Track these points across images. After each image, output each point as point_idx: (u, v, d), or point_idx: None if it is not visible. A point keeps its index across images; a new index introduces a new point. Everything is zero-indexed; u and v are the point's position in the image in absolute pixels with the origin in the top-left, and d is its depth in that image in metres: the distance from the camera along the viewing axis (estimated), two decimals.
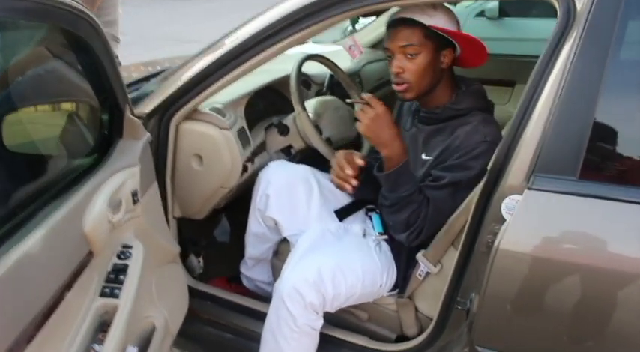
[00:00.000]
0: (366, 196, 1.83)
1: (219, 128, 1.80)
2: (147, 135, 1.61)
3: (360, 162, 1.67)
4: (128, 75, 2.52)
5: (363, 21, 3.02)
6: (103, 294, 1.32)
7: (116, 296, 1.32)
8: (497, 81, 3.05)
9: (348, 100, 1.74)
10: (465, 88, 1.67)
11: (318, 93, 2.37)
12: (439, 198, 1.57)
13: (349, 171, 1.67)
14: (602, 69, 1.20)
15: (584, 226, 1.23)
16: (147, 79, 2.15)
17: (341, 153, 1.74)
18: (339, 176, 1.70)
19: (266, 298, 1.97)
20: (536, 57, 3.05)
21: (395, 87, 1.64)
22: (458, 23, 1.63)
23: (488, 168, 1.35)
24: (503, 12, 4.21)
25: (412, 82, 1.59)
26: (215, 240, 2.48)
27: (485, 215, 1.36)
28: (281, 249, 2.02)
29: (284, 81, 2.07)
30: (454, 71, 1.70)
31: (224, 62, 1.68)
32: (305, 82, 2.36)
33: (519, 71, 3.04)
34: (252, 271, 2.08)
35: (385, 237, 1.83)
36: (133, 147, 1.54)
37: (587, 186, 1.20)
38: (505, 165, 1.31)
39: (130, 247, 1.45)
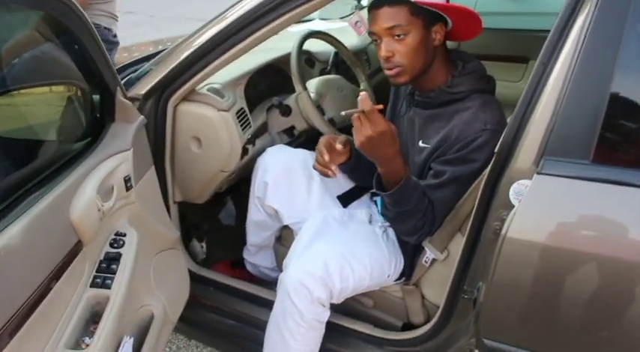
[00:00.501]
0: (364, 183, 1.75)
1: (217, 110, 1.74)
2: (140, 118, 1.55)
3: (339, 147, 1.56)
4: (129, 55, 2.47)
5: None
6: (94, 285, 1.27)
7: (108, 287, 1.27)
8: (510, 57, 2.94)
9: (343, 113, 1.41)
10: (462, 68, 1.53)
11: (322, 72, 2.29)
12: (443, 197, 1.48)
13: (326, 157, 1.57)
14: (618, 42, 1.11)
15: (598, 213, 1.15)
16: (148, 58, 2.09)
17: (322, 138, 1.64)
18: (319, 162, 1.61)
19: (270, 283, 1.93)
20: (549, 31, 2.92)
21: (386, 72, 1.51)
22: None
23: (496, 150, 1.28)
24: None
25: (404, 64, 1.47)
26: (220, 223, 2.43)
27: (492, 200, 1.29)
28: (284, 235, 1.97)
29: (286, 59, 2.00)
30: (460, 46, 1.59)
31: (221, 40, 1.61)
32: (309, 59, 2.29)
33: (533, 47, 2.89)
34: (255, 257, 2.03)
35: None
36: (126, 130, 1.49)
37: (601, 170, 1.13)
38: (513, 147, 1.23)
39: (124, 235, 1.40)
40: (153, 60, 1.85)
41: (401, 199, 1.47)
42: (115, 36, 2.22)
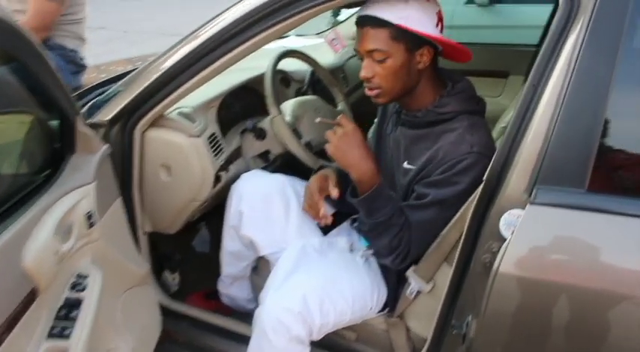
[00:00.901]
0: (347, 209, 1.67)
1: (188, 136, 1.64)
2: (104, 148, 1.45)
3: (334, 194, 1.57)
4: (97, 75, 2.36)
5: (347, 11, 2.83)
6: (51, 335, 1.16)
7: (67, 337, 1.16)
8: (490, 72, 2.89)
9: (317, 120, 1.54)
10: (451, 88, 1.46)
11: (298, 92, 2.20)
12: (423, 219, 1.41)
13: (321, 203, 1.58)
14: (613, 63, 1.05)
15: (596, 245, 1.07)
16: (116, 79, 1.98)
17: (313, 180, 1.60)
18: (310, 205, 1.61)
19: (247, 316, 1.82)
20: (531, 46, 2.89)
21: (367, 91, 1.46)
22: (439, 12, 1.42)
23: (484, 178, 1.20)
24: None
25: (383, 87, 1.42)
26: (194, 251, 2.33)
27: (481, 231, 1.21)
28: (261, 265, 1.87)
29: (261, 79, 1.91)
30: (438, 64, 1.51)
31: (191, 62, 1.52)
32: (284, 79, 2.20)
33: (513, 61, 2.89)
34: (230, 289, 1.92)
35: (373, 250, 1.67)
36: (88, 162, 1.38)
37: (598, 199, 1.05)
38: (503, 175, 1.16)
39: (86, 277, 1.29)
40: (121, 82, 1.75)
41: (373, 208, 1.42)
42: (82, 58, 2.11)
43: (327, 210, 1.61)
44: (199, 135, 1.65)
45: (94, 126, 1.62)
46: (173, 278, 2.08)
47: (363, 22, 1.38)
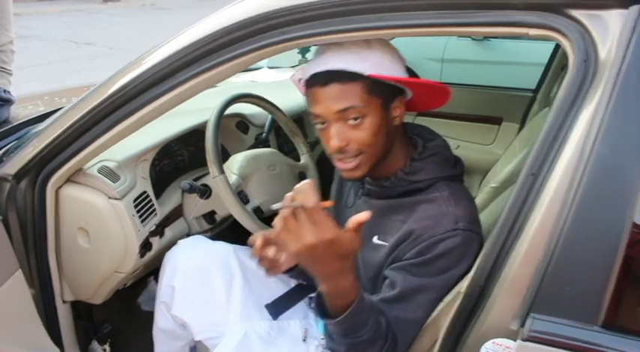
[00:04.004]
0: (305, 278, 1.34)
1: (108, 197, 1.35)
2: None
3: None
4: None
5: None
6: None
7: None
8: (482, 117, 2.62)
9: (273, 206, 0.98)
10: (422, 148, 1.20)
11: (257, 138, 1.90)
12: (404, 316, 1.10)
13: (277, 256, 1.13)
14: None
15: None
16: (41, 119, 1.69)
17: (277, 222, 1.16)
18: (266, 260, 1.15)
19: None
20: (527, 90, 2.61)
21: (338, 165, 1.16)
22: (399, 55, 1.17)
23: (463, 291, 0.91)
24: None
25: (365, 152, 1.13)
26: (139, 309, 2.02)
27: None
28: (200, 348, 1.57)
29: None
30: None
31: (106, 112, 1.23)
32: (242, 123, 1.89)
33: (507, 106, 2.65)
34: None
35: None
36: None
37: (615, 341, 0.77)
38: (485, 295, 0.87)
39: None
40: (41, 125, 1.46)
41: (353, 328, 1.05)
42: (5, 91, 1.82)
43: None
44: (121, 198, 1.36)
45: None
46: (103, 350, 1.78)
47: (326, 79, 1.09)
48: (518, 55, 3.89)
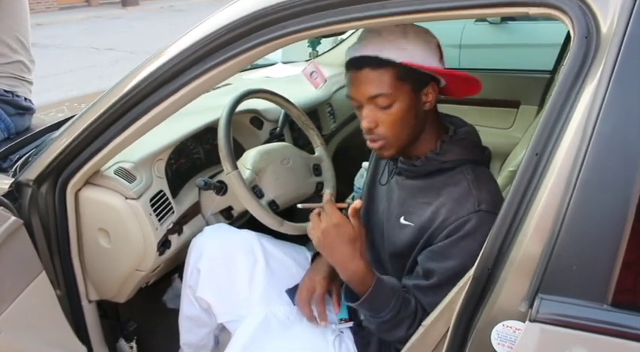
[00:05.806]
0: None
1: (125, 197, 1.38)
2: (9, 222, 1.19)
3: (323, 320, 1.38)
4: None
5: (327, 41, 2.53)
6: None
7: None
8: (500, 101, 2.59)
9: (299, 206, 1.29)
10: (453, 133, 1.27)
11: (272, 133, 1.91)
12: (436, 301, 1.15)
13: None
14: None
15: None
16: (57, 126, 1.73)
17: (302, 289, 1.42)
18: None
19: None
20: (544, 72, 2.57)
21: (369, 144, 1.25)
22: (438, 43, 1.23)
23: (471, 274, 0.91)
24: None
25: (389, 136, 1.22)
26: (164, 307, 2.06)
27: (466, 344, 0.92)
28: (223, 336, 1.59)
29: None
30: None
31: (118, 113, 1.26)
32: (255, 119, 1.91)
33: (525, 89, 2.61)
34: None
35: (350, 324, 1.42)
36: None
37: (625, 318, 0.76)
38: (495, 272, 0.87)
39: None
40: (59, 131, 1.49)
41: (376, 309, 1.21)
42: (26, 100, 1.86)
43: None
44: (137, 197, 1.38)
45: (20, 187, 1.38)
46: (130, 347, 1.82)
47: (360, 64, 1.18)
48: (537, 37, 3.83)
